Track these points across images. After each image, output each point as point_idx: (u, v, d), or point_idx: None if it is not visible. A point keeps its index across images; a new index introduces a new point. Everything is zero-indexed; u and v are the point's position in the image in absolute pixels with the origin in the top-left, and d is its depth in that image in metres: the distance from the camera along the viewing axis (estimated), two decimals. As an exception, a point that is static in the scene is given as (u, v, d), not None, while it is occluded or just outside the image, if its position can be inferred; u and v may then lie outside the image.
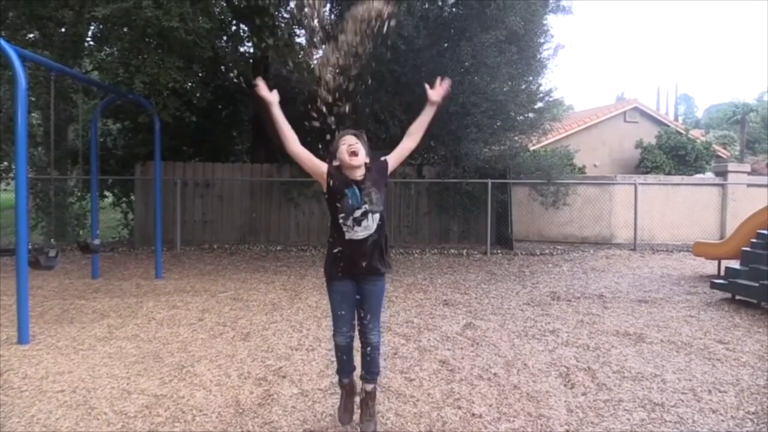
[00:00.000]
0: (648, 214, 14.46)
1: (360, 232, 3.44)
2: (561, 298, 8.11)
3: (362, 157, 3.44)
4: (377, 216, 3.46)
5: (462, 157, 13.10)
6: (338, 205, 3.45)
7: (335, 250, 3.53)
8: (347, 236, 3.45)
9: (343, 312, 3.58)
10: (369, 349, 3.65)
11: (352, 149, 3.40)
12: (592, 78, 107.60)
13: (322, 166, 3.55)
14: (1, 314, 6.67)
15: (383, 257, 3.58)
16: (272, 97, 3.54)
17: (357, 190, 3.42)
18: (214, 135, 14.70)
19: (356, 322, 3.64)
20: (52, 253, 6.72)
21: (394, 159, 3.59)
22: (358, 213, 3.42)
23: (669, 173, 19.94)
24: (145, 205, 13.15)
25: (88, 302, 7.52)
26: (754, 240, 8.13)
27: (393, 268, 3.67)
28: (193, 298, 7.89)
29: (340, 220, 3.45)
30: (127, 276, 9.51)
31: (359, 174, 3.48)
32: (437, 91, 3.53)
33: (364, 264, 3.49)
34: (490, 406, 4.21)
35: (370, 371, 3.68)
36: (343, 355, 3.65)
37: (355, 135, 3.48)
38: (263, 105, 3.53)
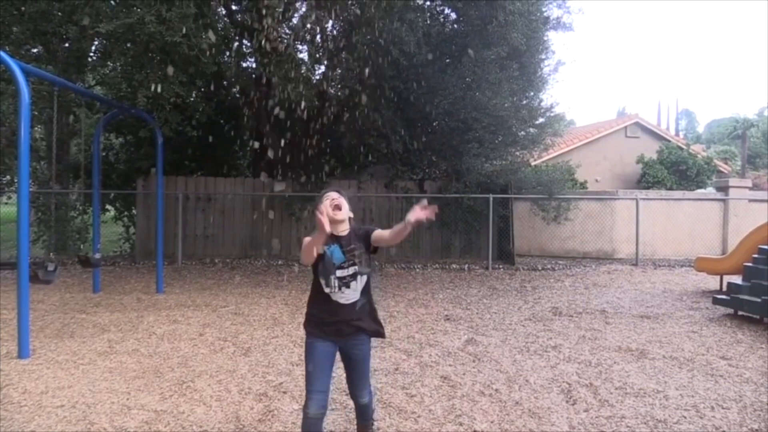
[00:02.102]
0: (650, 229, 14.44)
1: (349, 295, 3.25)
2: (563, 314, 8.09)
3: (345, 212, 3.28)
4: (364, 278, 3.30)
5: (464, 172, 13.13)
6: (320, 264, 3.23)
7: (317, 310, 3.34)
8: (333, 298, 3.25)
9: (320, 375, 3.25)
10: (362, 406, 3.57)
11: (336, 203, 3.25)
12: (593, 93, 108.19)
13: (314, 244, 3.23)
14: (2, 328, 6.65)
15: (375, 318, 3.42)
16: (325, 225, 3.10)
17: (338, 247, 3.22)
18: (216, 149, 14.74)
19: (333, 388, 3.47)
20: (51, 267, 6.72)
21: (378, 232, 3.28)
22: (343, 273, 3.22)
23: (670, 188, 19.93)
24: (146, 219, 13.17)
25: (88, 316, 7.50)
26: (755, 255, 8.12)
27: (383, 334, 3.46)
28: (194, 312, 7.87)
29: (322, 281, 3.24)
30: (127, 290, 9.50)
31: (342, 229, 3.28)
32: (417, 214, 2.95)
33: (353, 327, 3.30)
34: (492, 422, 4.19)
35: (365, 418, 3.67)
36: (310, 429, 3.23)
37: (338, 191, 3.34)
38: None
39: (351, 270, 3.22)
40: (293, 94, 10.17)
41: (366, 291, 3.33)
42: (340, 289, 3.22)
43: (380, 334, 3.43)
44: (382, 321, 3.50)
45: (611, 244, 14.73)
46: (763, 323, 7.31)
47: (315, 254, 3.14)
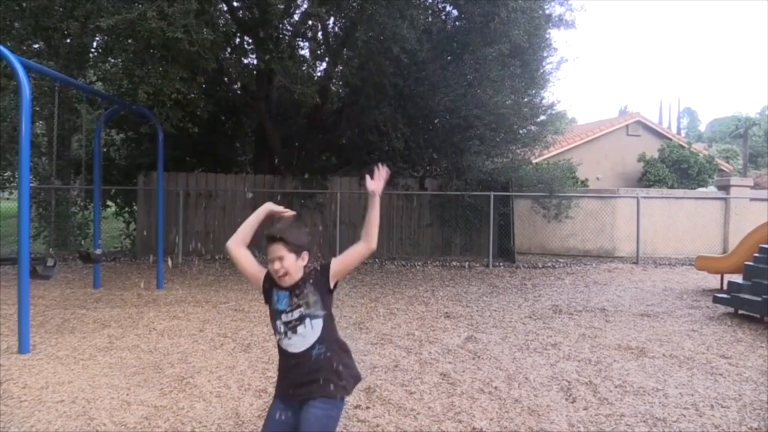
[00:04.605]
0: (650, 227, 14.43)
1: (298, 342, 2.69)
2: (563, 312, 8.09)
3: (294, 273, 2.70)
4: (318, 322, 2.70)
5: (464, 169, 13.14)
6: (269, 308, 2.82)
7: (280, 363, 2.84)
8: (282, 346, 2.75)
9: None
10: None
11: (280, 274, 2.66)
12: (594, 91, 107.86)
13: (260, 272, 2.83)
14: (2, 323, 6.66)
15: (339, 374, 2.72)
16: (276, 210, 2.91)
17: (287, 294, 2.72)
18: (217, 146, 14.73)
19: None
20: (50, 263, 6.73)
21: (338, 262, 2.77)
22: (289, 317, 2.71)
23: (672, 187, 19.92)
24: (147, 216, 13.17)
25: (89, 312, 7.51)
26: (756, 254, 8.12)
27: (349, 391, 2.79)
28: (194, 308, 7.88)
29: (272, 327, 2.80)
30: (128, 286, 9.50)
31: (293, 280, 2.73)
32: (375, 181, 2.74)
33: (304, 382, 2.69)
34: (491, 420, 4.19)
35: None
36: None
37: (282, 242, 2.65)
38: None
39: (296, 313, 2.70)
40: (294, 90, 10.17)
41: (326, 339, 2.71)
42: (286, 334, 2.71)
43: (340, 391, 2.72)
44: (353, 378, 2.83)
45: (612, 242, 14.73)
46: (764, 322, 7.31)
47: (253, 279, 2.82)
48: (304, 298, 2.70)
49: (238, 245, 2.84)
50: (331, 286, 2.76)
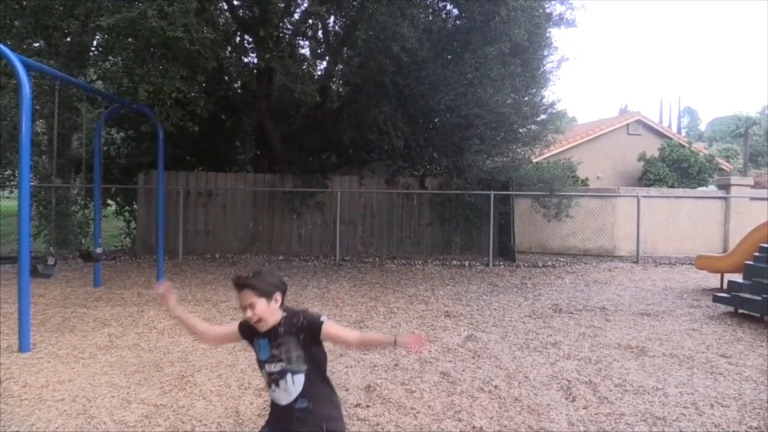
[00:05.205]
0: (651, 226, 14.42)
1: (281, 396, 2.63)
2: (563, 311, 8.09)
3: (269, 318, 2.63)
4: (300, 377, 2.61)
5: (465, 168, 13.13)
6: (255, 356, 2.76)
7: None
8: (270, 397, 2.71)
9: None
10: None
11: (254, 321, 2.61)
12: (595, 90, 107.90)
13: (234, 332, 2.81)
14: (2, 322, 6.67)
15: (320, 429, 2.61)
16: (169, 301, 2.91)
17: (267, 342, 2.65)
18: (217, 145, 14.72)
19: None
20: (51, 261, 6.73)
21: (331, 332, 2.67)
22: (271, 369, 2.63)
23: (672, 186, 19.92)
24: (147, 214, 13.17)
25: (89, 311, 7.52)
26: (756, 254, 8.12)
27: None
28: (195, 307, 7.88)
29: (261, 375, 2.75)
30: (128, 285, 9.51)
31: (268, 324, 2.66)
32: (408, 343, 2.62)
33: None
34: (491, 418, 4.19)
35: None
36: None
37: (248, 288, 2.60)
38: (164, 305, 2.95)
39: (278, 366, 2.62)
40: (295, 89, 10.16)
41: (309, 393, 2.62)
42: (270, 386, 2.67)
43: None
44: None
45: (612, 241, 14.72)
46: (764, 321, 7.31)
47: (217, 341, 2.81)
48: (286, 352, 2.61)
49: (204, 335, 2.93)
50: (320, 342, 2.67)
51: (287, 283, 2.76)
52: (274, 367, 2.62)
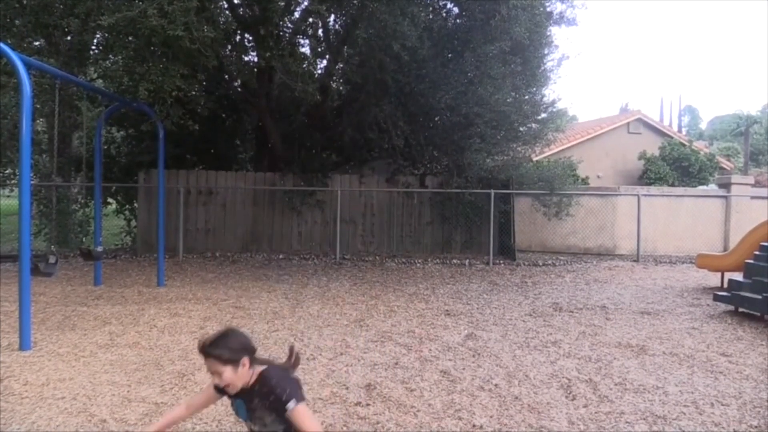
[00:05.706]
0: (651, 225, 14.43)
1: None
2: (563, 309, 8.09)
3: (237, 382, 2.59)
4: None
5: (465, 167, 13.12)
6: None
7: None
8: None
9: None
10: None
11: (222, 386, 2.62)
12: (595, 89, 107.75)
13: (212, 394, 2.80)
14: (3, 320, 6.68)
15: None
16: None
17: (242, 402, 2.66)
18: (218, 143, 14.74)
19: None
20: (51, 260, 6.73)
21: (299, 419, 2.54)
22: (252, 427, 2.67)
23: (672, 185, 19.92)
24: (148, 213, 13.17)
25: (89, 309, 7.52)
26: (757, 252, 8.11)
27: None
28: (195, 306, 7.88)
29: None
30: (129, 283, 9.51)
31: (239, 385, 2.64)
32: None
33: None
34: (491, 417, 4.20)
35: None
36: None
37: (212, 358, 2.57)
38: None
39: (257, 426, 2.65)
40: (295, 88, 10.16)
41: None
42: None
43: None
44: None
45: (612, 240, 14.73)
46: (764, 320, 7.31)
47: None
48: (260, 418, 2.61)
49: (189, 412, 2.89)
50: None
51: (253, 346, 2.72)
52: (254, 426, 2.64)
